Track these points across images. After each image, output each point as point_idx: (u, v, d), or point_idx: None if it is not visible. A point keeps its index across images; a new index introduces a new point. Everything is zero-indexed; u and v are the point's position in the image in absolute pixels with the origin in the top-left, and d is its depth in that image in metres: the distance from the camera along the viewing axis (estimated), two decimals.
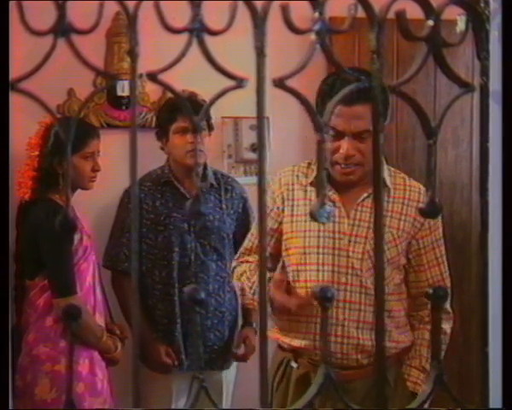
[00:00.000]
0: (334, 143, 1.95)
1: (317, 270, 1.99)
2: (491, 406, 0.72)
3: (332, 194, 2.03)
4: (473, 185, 3.36)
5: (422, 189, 2.02)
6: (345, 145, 1.92)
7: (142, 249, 2.75)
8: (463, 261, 3.34)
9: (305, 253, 2.01)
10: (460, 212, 3.42)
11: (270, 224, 2.08)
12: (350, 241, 1.99)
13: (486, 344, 0.68)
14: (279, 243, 2.09)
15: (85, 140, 2.54)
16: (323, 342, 0.70)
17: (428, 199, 0.68)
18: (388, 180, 2.02)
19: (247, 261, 2.17)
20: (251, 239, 2.20)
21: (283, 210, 2.08)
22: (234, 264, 2.22)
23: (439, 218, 1.99)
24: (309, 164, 2.13)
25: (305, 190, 2.07)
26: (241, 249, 2.21)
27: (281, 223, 2.09)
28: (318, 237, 2.00)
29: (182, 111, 2.77)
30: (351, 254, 1.97)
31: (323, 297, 0.69)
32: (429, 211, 0.69)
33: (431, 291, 0.72)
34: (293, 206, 2.08)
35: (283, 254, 2.07)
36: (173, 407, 2.78)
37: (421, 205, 1.84)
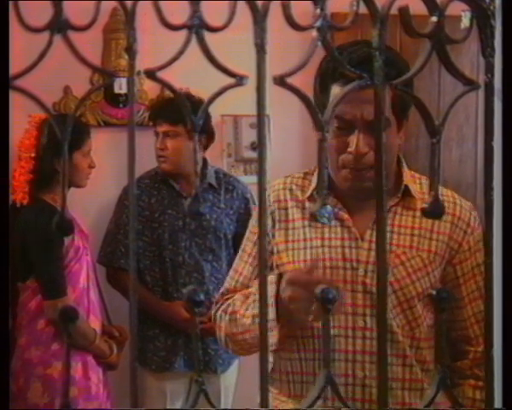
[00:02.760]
0: (340, 140, 1.47)
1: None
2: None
3: (338, 210, 1.54)
4: (477, 185, 3.34)
5: (457, 199, 1.60)
6: (354, 140, 1.44)
7: (139, 247, 2.76)
8: None
9: None
10: None
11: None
12: (366, 271, 1.51)
13: (491, 347, 0.67)
14: None
15: (83, 137, 2.53)
16: (326, 346, 0.69)
17: (432, 199, 0.67)
18: (412, 188, 1.57)
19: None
20: (234, 277, 1.66)
21: (274, 236, 1.58)
22: (213, 311, 1.65)
23: (481, 234, 1.55)
24: (305, 174, 1.64)
25: (303, 208, 1.59)
26: (223, 289, 1.69)
27: (271, 252, 1.58)
28: (324, 268, 1.53)
29: (155, 117, 2.87)
30: (369, 288, 1.50)
31: (325, 299, 0.68)
32: (432, 211, 0.67)
33: (434, 292, 0.71)
34: (287, 229, 1.58)
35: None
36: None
37: (456, 220, 1.53)
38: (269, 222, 1.59)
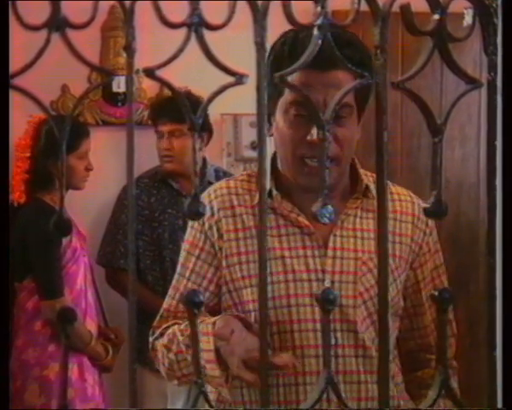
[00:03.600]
0: (299, 129, 1.31)
1: (291, 331, 1.34)
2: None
3: (295, 215, 1.38)
4: (480, 185, 3.33)
5: (414, 197, 1.48)
6: (315, 128, 1.35)
7: (139, 246, 2.74)
8: (470, 263, 3.31)
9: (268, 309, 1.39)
10: (467, 212, 3.39)
11: (202, 271, 1.42)
12: (334, 282, 1.36)
13: (494, 348, 0.66)
14: (214, 300, 1.42)
15: (79, 140, 2.52)
16: (327, 350, 0.68)
17: (434, 199, 0.66)
18: (373, 188, 1.40)
19: (177, 324, 1.41)
20: (175, 296, 1.44)
21: (221, 249, 1.40)
22: (152, 338, 1.45)
23: (436, 234, 1.46)
24: (249, 176, 1.45)
25: (254, 214, 1.38)
26: (161, 311, 1.47)
27: (217, 268, 1.41)
28: (286, 281, 1.36)
29: (158, 116, 2.82)
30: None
31: (325, 300, 0.67)
32: (435, 211, 0.67)
33: (436, 293, 0.70)
34: (238, 239, 1.38)
35: (230, 313, 1.35)
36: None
37: (416, 220, 1.38)
38: (214, 232, 1.41)
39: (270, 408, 0.67)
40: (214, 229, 1.41)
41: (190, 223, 1.49)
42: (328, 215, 0.63)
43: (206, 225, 1.42)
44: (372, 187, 1.42)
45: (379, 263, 0.65)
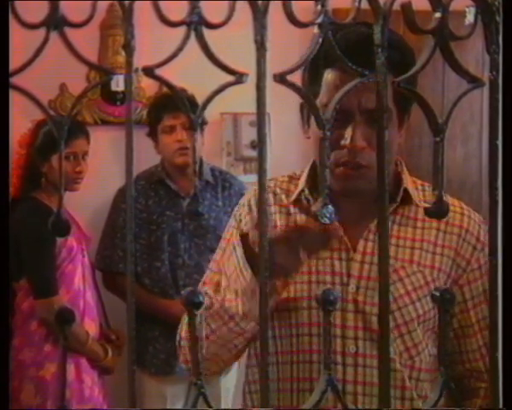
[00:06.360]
0: (334, 133, 1.22)
1: (310, 334, 1.32)
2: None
3: None
4: (482, 184, 3.32)
5: (465, 209, 1.44)
6: (350, 132, 1.25)
7: (137, 250, 2.71)
8: None
9: (289, 309, 1.33)
10: None
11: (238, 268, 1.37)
12: (359, 287, 1.33)
13: (497, 349, 0.66)
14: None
15: (66, 140, 2.50)
16: (326, 350, 0.67)
17: (436, 198, 0.65)
18: (414, 194, 1.38)
19: None
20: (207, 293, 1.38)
21: None
22: (180, 329, 1.43)
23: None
24: (290, 178, 1.45)
25: (288, 213, 1.39)
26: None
27: None
28: (309, 282, 1.34)
29: (167, 109, 2.76)
30: (361, 307, 1.31)
31: (325, 300, 0.66)
32: (436, 211, 0.66)
33: (437, 294, 0.69)
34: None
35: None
36: None
37: (464, 233, 1.32)
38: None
39: (270, 408, 0.66)
40: (249, 225, 1.39)
41: (229, 221, 1.49)
42: (328, 215, 0.63)
43: (243, 222, 1.42)
44: (414, 194, 1.38)
45: (379, 264, 0.64)
